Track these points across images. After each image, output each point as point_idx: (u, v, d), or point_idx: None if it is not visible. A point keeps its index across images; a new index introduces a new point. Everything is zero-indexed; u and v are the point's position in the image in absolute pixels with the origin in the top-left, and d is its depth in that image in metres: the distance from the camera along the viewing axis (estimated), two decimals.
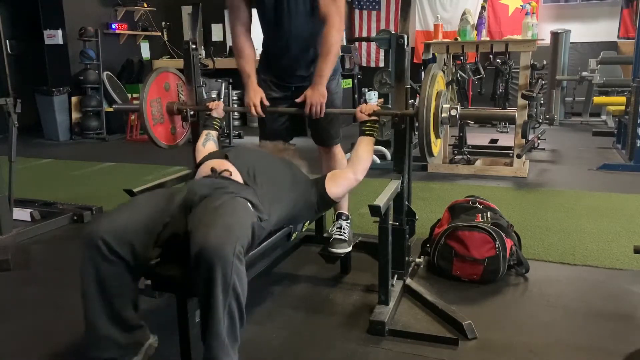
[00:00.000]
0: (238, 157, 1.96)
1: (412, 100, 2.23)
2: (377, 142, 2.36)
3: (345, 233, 2.48)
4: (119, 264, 1.57)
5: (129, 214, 1.64)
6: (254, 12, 2.38)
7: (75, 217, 3.43)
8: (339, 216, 2.54)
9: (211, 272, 1.42)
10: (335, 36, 2.22)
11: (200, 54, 2.44)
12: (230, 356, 1.48)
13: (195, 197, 1.70)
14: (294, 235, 2.27)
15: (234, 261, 1.44)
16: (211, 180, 1.82)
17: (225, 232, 1.47)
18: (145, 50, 8.13)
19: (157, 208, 1.68)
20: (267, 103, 2.35)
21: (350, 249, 2.48)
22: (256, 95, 2.34)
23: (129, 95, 7.15)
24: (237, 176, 1.87)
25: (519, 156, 4.31)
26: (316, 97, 2.26)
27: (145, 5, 7.78)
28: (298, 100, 2.31)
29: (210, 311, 1.44)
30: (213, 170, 1.86)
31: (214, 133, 2.38)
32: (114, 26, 7.41)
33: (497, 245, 2.35)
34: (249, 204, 1.72)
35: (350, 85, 7.50)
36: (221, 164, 1.89)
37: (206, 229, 1.48)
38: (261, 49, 2.48)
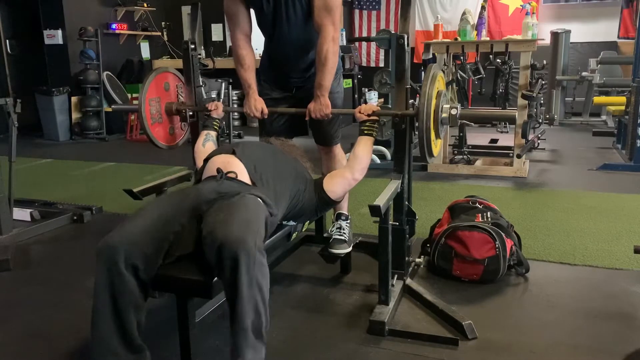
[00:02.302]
0: (245, 152, 1.98)
1: (412, 100, 2.23)
2: (377, 142, 2.37)
3: (345, 233, 2.48)
4: (132, 279, 1.58)
5: (141, 226, 1.64)
6: (253, 17, 2.38)
7: (75, 217, 3.43)
8: (338, 216, 2.54)
9: (235, 265, 1.45)
10: (331, 47, 2.19)
11: (199, 54, 2.45)
12: (255, 349, 1.49)
13: (204, 207, 1.72)
14: (294, 235, 2.27)
15: (256, 254, 1.48)
16: (217, 184, 1.82)
17: (244, 227, 1.51)
18: (145, 50, 8.13)
19: (167, 217, 1.69)
20: (266, 113, 2.36)
21: (350, 249, 2.48)
22: (257, 105, 2.36)
23: (129, 96, 7.15)
24: (243, 175, 1.89)
25: (519, 156, 4.31)
26: (318, 109, 2.26)
27: (145, 5, 7.78)
28: (307, 118, 2.32)
29: (236, 303, 1.47)
30: (219, 170, 1.87)
31: (213, 133, 2.39)
32: (114, 26, 7.41)
33: (497, 245, 2.35)
34: (259, 199, 1.75)
35: (350, 85, 7.50)
36: (227, 164, 1.91)
37: (225, 226, 1.50)
38: (262, 50, 2.48)
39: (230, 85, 6.36)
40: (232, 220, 1.53)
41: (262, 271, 1.51)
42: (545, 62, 4.72)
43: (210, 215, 1.66)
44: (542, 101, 4.83)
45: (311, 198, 2.07)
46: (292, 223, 2.15)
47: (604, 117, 7.02)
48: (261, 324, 1.52)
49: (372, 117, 2.20)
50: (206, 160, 2.02)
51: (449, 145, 4.99)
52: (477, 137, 5.70)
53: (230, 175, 1.86)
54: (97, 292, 1.58)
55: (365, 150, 2.16)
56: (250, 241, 1.48)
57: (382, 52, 7.17)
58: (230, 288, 1.48)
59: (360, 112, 2.20)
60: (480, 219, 2.50)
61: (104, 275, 1.57)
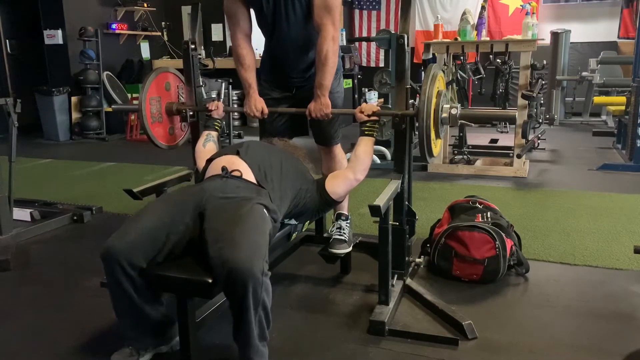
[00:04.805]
0: (249, 152, 2.00)
1: (412, 100, 2.23)
2: (377, 142, 2.37)
3: (345, 233, 2.48)
4: (139, 280, 1.65)
5: (142, 228, 1.68)
6: (253, 17, 2.38)
7: (75, 217, 3.43)
8: (338, 216, 2.54)
9: (244, 293, 1.51)
10: (331, 46, 2.19)
11: (200, 54, 2.44)
12: (262, 353, 1.62)
13: (208, 205, 1.74)
14: (294, 235, 2.27)
15: (263, 279, 1.54)
16: (223, 182, 1.84)
17: (253, 252, 1.55)
18: (145, 50, 8.13)
19: (169, 218, 1.72)
20: (266, 112, 2.37)
21: (350, 249, 2.48)
22: (257, 105, 2.37)
23: (129, 96, 7.15)
24: (248, 174, 1.91)
25: (519, 156, 4.31)
26: (319, 109, 2.27)
27: (145, 5, 7.78)
28: (308, 118, 2.32)
29: (242, 323, 1.56)
30: (224, 169, 1.89)
31: (214, 134, 2.39)
32: (114, 26, 7.41)
33: (497, 245, 2.35)
34: (264, 210, 1.76)
35: (350, 85, 7.50)
36: (232, 164, 1.92)
37: (233, 249, 1.53)
38: (262, 50, 2.48)
39: (230, 85, 6.36)
40: (242, 243, 1.56)
41: (267, 290, 1.58)
42: (545, 62, 4.72)
43: (220, 218, 1.67)
44: (542, 101, 4.83)
45: (313, 198, 2.07)
46: (292, 222, 2.15)
47: (604, 117, 7.02)
48: (264, 330, 1.61)
49: (372, 118, 2.20)
50: (209, 161, 2.03)
51: (449, 145, 4.99)
52: (477, 137, 5.70)
53: (235, 173, 1.88)
54: (111, 292, 1.69)
55: (366, 151, 2.16)
56: (258, 270, 1.52)
57: (382, 52, 7.17)
58: (237, 309, 1.55)
59: (360, 113, 2.20)
60: (480, 219, 2.50)
61: (112, 279, 1.64)
